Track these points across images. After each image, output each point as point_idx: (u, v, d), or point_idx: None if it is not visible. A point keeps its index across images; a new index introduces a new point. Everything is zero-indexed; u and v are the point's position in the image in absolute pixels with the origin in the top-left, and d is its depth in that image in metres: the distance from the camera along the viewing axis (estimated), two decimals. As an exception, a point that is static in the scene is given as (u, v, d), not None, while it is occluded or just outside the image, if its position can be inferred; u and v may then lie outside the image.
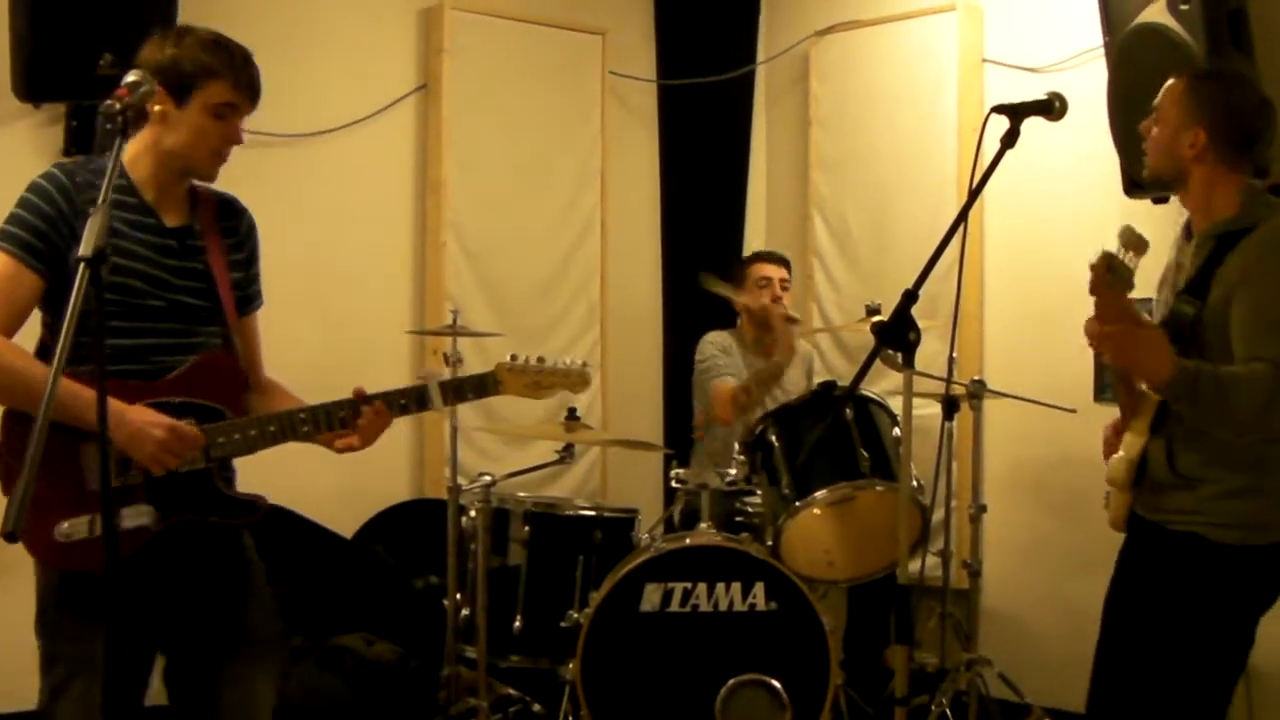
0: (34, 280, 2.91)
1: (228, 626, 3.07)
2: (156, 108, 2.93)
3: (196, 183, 3.14)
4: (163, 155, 3.01)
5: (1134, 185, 4.76)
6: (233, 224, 3.20)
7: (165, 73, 2.93)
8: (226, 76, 2.97)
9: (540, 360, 3.31)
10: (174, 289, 3.01)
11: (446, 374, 3.30)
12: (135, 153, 3.01)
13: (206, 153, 3.01)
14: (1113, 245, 3.19)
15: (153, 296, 2.98)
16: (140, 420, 2.85)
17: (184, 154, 3.00)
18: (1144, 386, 3.38)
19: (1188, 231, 3.46)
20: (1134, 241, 3.17)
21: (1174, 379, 3.13)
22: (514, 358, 3.29)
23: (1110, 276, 3.14)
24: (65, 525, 2.86)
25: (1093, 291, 3.17)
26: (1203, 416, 3.22)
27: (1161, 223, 3.48)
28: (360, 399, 3.10)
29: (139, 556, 2.89)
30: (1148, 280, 3.42)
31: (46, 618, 2.97)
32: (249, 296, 3.24)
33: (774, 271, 5.79)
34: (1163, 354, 3.15)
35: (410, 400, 3.20)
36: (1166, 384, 3.15)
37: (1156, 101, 3.43)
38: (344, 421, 3.09)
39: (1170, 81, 3.42)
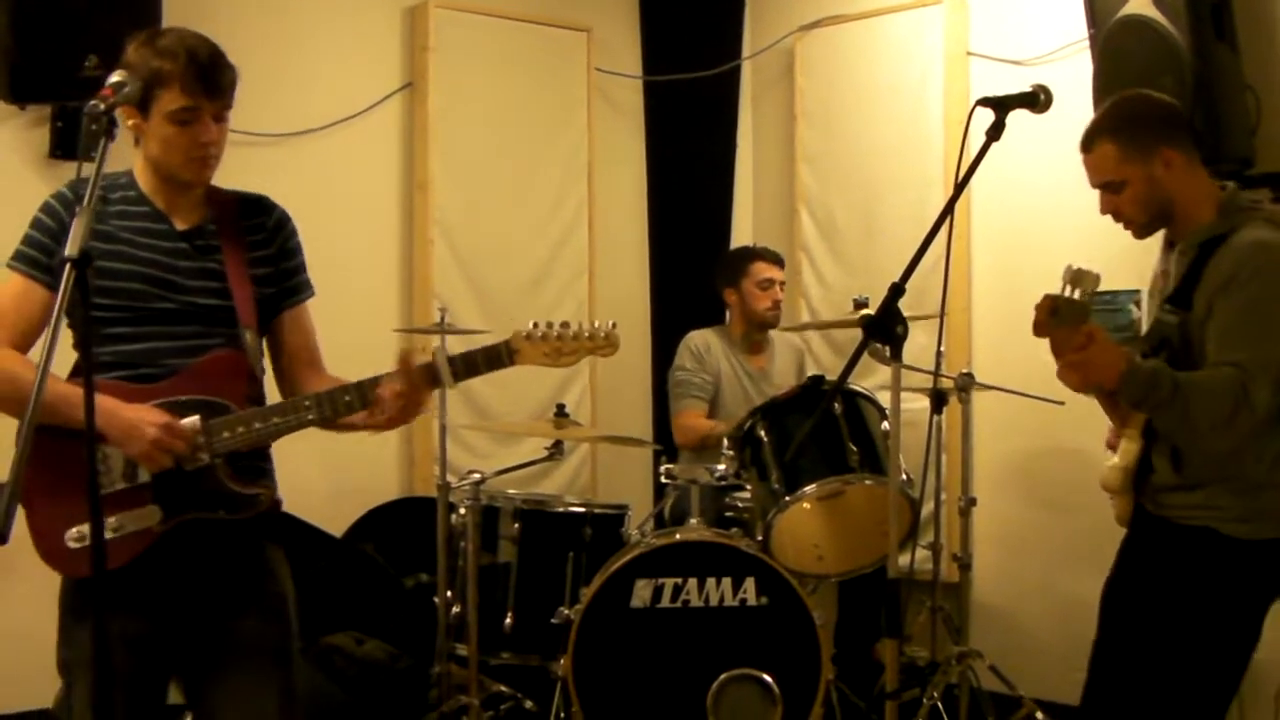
0: (44, 295, 2.93)
1: (229, 636, 3.00)
2: (130, 123, 2.94)
3: (215, 185, 3.13)
4: (152, 166, 3.02)
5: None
6: (257, 221, 3.16)
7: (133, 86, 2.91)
8: (174, 82, 2.90)
9: (565, 325, 3.07)
10: (186, 290, 2.99)
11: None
12: (139, 165, 3.03)
13: (181, 160, 2.97)
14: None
15: (161, 299, 2.97)
16: (134, 417, 2.83)
17: (162, 164, 2.99)
18: None
19: (1169, 241, 3.47)
20: (1079, 278, 3.17)
21: (1127, 376, 3.12)
22: (535, 325, 3.06)
23: (1054, 320, 3.14)
24: (75, 531, 2.86)
25: (1037, 333, 3.16)
26: (1164, 419, 3.22)
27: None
28: (370, 380, 2.99)
29: (146, 559, 2.88)
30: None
31: (62, 624, 2.96)
32: (289, 290, 3.19)
33: (777, 273, 5.79)
34: (1111, 355, 3.14)
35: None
36: (1119, 381, 3.13)
37: (1101, 180, 3.41)
38: (350, 406, 2.98)
39: (1095, 153, 3.40)
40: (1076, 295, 3.15)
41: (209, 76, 2.92)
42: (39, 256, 2.94)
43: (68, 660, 2.93)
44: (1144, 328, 3.51)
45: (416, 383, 2.97)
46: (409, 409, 2.98)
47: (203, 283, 3.02)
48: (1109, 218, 3.48)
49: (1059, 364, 3.18)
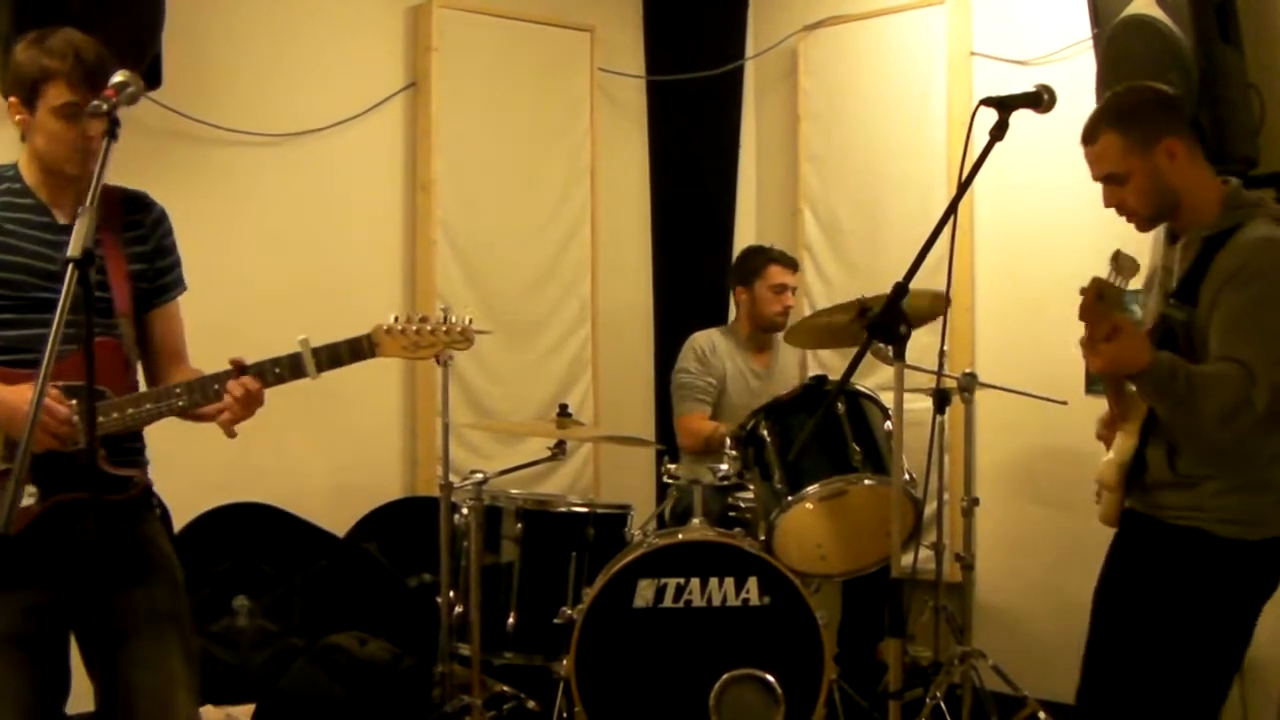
0: None
1: (125, 607, 3.10)
2: (16, 118, 3.06)
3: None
4: (36, 159, 3.11)
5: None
6: (136, 218, 3.25)
7: (12, 85, 3.05)
8: (59, 77, 3.00)
9: (423, 320, 3.26)
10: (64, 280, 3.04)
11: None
12: (24, 159, 3.13)
13: (66, 153, 3.04)
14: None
15: (42, 289, 3.04)
16: (15, 400, 2.93)
17: (47, 157, 3.08)
18: (1132, 388, 3.39)
19: (1172, 235, 3.46)
20: (1127, 266, 3.18)
21: (1151, 367, 3.12)
22: (396, 319, 3.25)
23: (1100, 304, 3.14)
24: None
25: (1082, 316, 3.15)
26: (1173, 413, 3.22)
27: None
28: (236, 369, 3.11)
29: (27, 535, 2.98)
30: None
31: None
32: (163, 287, 3.30)
33: (791, 279, 5.78)
34: (1139, 344, 3.14)
35: (284, 368, 3.16)
36: (1144, 371, 3.13)
37: (1103, 173, 3.40)
38: (219, 394, 3.11)
39: (1097, 145, 3.39)
40: (1118, 282, 3.15)
41: (93, 69, 3.00)
42: None
43: None
44: (1146, 321, 3.49)
45: (246, 384, 3.10)
46: (247, 406, 3.11)
47: None
48: (1112, 217, 3.48)
49: (1088, 349, 3.16)
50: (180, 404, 3.11)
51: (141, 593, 3.14)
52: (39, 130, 3.04)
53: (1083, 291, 3.14)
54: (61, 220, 3.11)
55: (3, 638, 3.00)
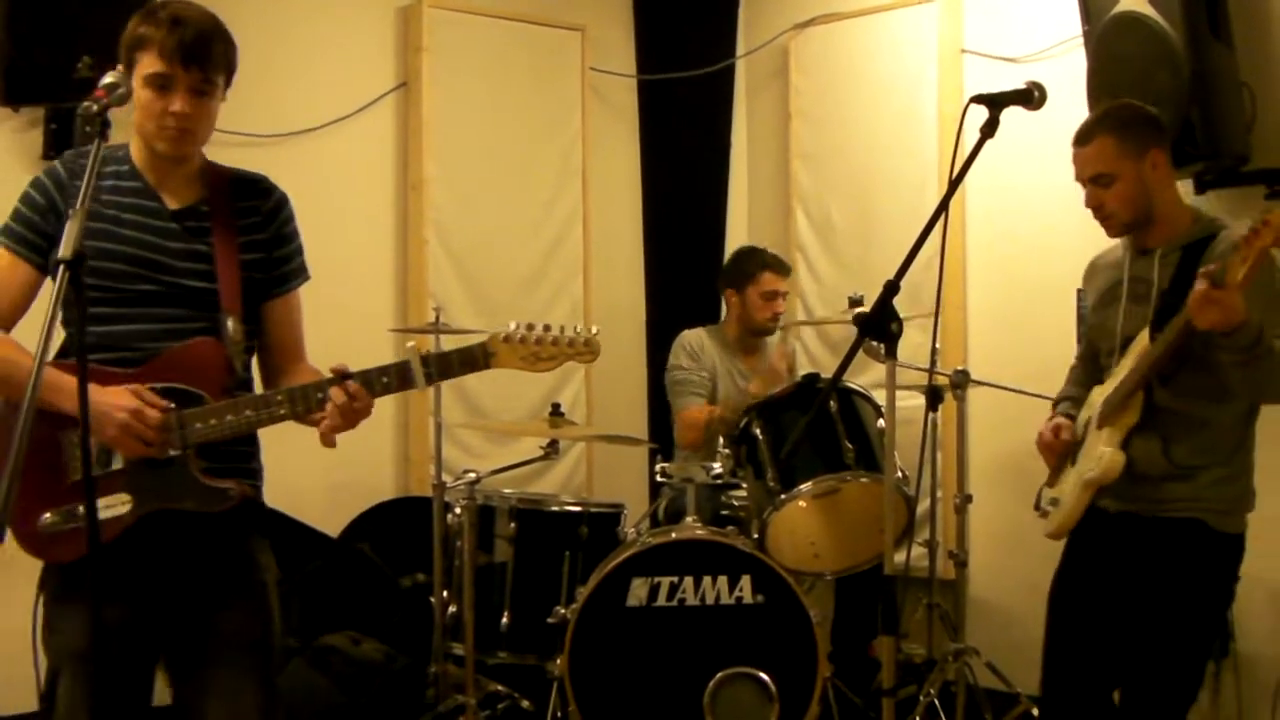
0: (29, 272, 2.93)
1: (208, 628, 2.98)
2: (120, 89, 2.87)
3: (214, 162, 3.10)
4: (141, 138, 2.98)
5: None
6: (253, 203, 3.10)
7: (122, 50, 2.92)
8: (152, 46, 2.87)
9: (546, 328, 2.98)
10: (174, 272, 2.95)
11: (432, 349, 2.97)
12: (134, 138, 3.00)
13: (154, 128, 2.91)
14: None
15: (144, 280, 2.93)
16: (106, 403, 2.79)
17: (141, 131, 2.96)
18: (1118, 387, 3.46)
19: (1141, 249, 3.58)
20: None
21: (1248, 323, 3.14)
22: (516, 327, 2.98)
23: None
24: (47, 517, 2.85)
25: (1247, 243, 3.05)
26: (1255, 370, 3.23)
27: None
28: (336, 376, 2.94)
29: (117, 547, 2.84)
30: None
31: (46, 612, 2.94)
32: (281, 277, 3.14)
33: (783, 285, 5.76)
34: (1241, 300, 3.13)
35: (392, 378, 2.97)
36: (1242, 326, 3.14)
37: (1093, 172, 3.53)
38: (322, 402, 2.93)
39: (1093, 146, 3.53)
40: None
41: (189, 46, 2.87)
42: (25, 233, 2.93)
43: (53, 648, 2.91)
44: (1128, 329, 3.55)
45: (353, 394, 2.92)
46: (348, 416, 2.94)
47: (189, 265, 2.97)
48: (1105, 215, 3.53)
49: (1209, 293, 3.12)
50: (282, 412, 2.94)
51: (230, 616, 2.99)
52: (136, 103, 2.89)
53: (1260, 227, 3.04)
54: (172, 205, 2.99)
55: (76, 654, 2.83)
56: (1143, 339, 3.46)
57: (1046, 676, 3.71)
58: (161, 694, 3.08)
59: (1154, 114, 3.64)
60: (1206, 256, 3.36)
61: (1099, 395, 3.63)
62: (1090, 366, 3.87)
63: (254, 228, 3.09)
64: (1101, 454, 3.48)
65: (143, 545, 2.89)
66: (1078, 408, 3.81)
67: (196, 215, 3.02)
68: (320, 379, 2.97)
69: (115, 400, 2.80)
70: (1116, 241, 3.71)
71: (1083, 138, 3.57)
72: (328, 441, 2.97)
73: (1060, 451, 3.75)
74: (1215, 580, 3.47)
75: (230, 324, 2.99)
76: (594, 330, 3.04)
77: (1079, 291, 4.75)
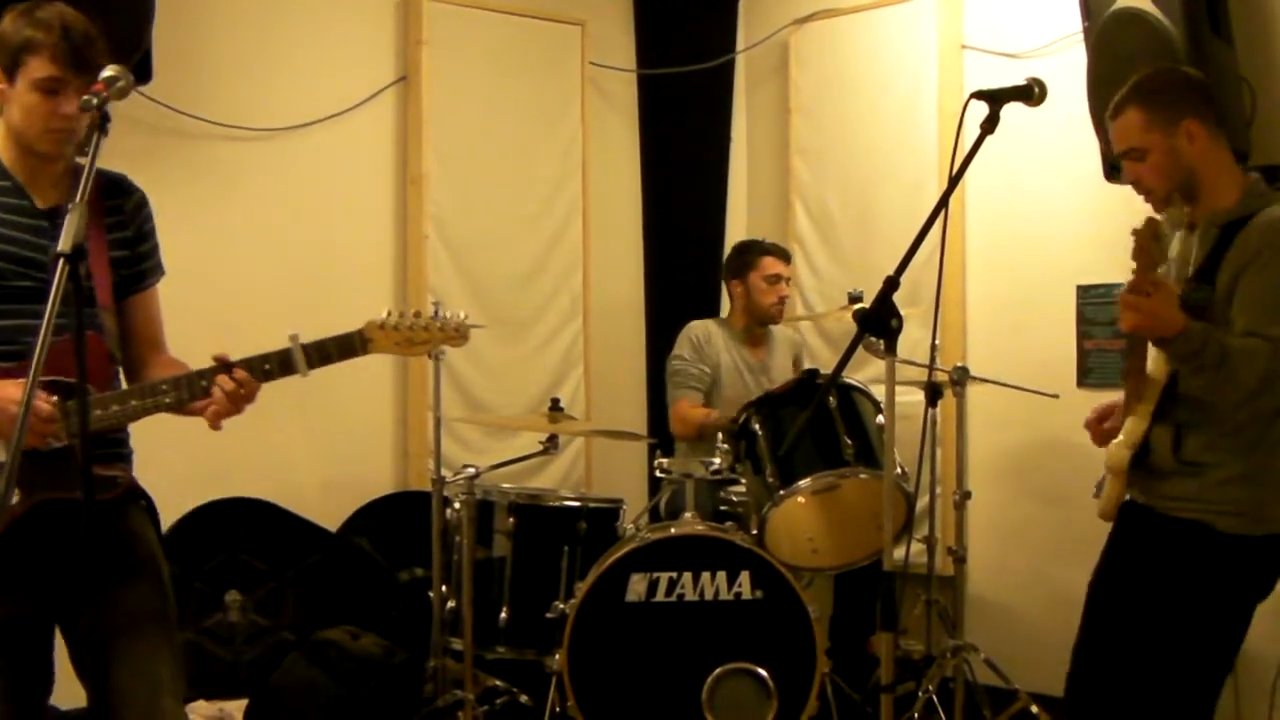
0: None
1: (110, 606, 3.00)
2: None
3: (80, 161, 3.06)
4: (12, 135, 3.01)
5: (1114, 170, 4.77)
6: (117, 203, 3.16)
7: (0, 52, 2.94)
8: (44, 50, 2.90)
9: (417, 315, 3.15)
10: (46, 269, 2.93)
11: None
12: (2, 136, 3.04)
13: (40, 130, 2.96)
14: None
15: (22, 278, 2.97)
16: None
17: (22, 133, 2.99)
18: (1150, 368, 3.40)
19: (1190, 224, 3.48)
20: (1172, 222, 3.24)
21: (1184, 333, 3.15)
22: (389, 314, 3.14)
23: (1155, 245, 3.14)
24: None
25: (1135, 257, 3.14)
26: (1204, 381, 3.23)
27: (1144, 209, 3.51)
28: (221, 365, 3.02)
29: (7, 539, 2.88)
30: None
31: None
32: (141, 273, 3.22)
33: (785, 270, 5.77)
34: (1174, 311, 3.16)
35: (274, 365, 3.06)
36: (1177, 337, 3.15)
37: (1124, 147, 3.45)
38: (206, 390, 3.02)
39: (1122, 119, 3.44)
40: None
41: (80, 51, 2.92)
42: None
43: None
44: None
45: (240, 381, 3.01)
46: (236, 401, 3.02)
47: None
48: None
49: (1128, 300, 3.15)
50: (167, 400, 3.03)
51: (127, 591, 3.06)
52: (16, 103, 2.94)
53: (1135, 233, 3.12)
54: (40, 204, 3.03)
55: None
56: None
57: (1072, 669, 3.65)
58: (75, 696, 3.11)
59: (1191, 79, 3.52)
60: (1242, 238, 3.29)
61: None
62: None
63: (118, 225, 3.16)
64: (1116, 442, 3.46)
65: (33, 535, 2.94)
66: None
67: (64, 214, 3.01)
68: (200, 369, 3.05)
69: (5, 393, 2.86)
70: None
71: (1115, 110, 3.47)
72: (215, 426, 3.05)
73: (1099, 434, 3.63)
74: (1222, 586, 3.34)
75: (106, 319, 3.08)
76: (463, 316, 3.22)
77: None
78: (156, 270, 3.27)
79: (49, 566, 2.98)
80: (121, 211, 3.17)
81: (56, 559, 2.98)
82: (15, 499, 2.91)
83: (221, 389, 3.00)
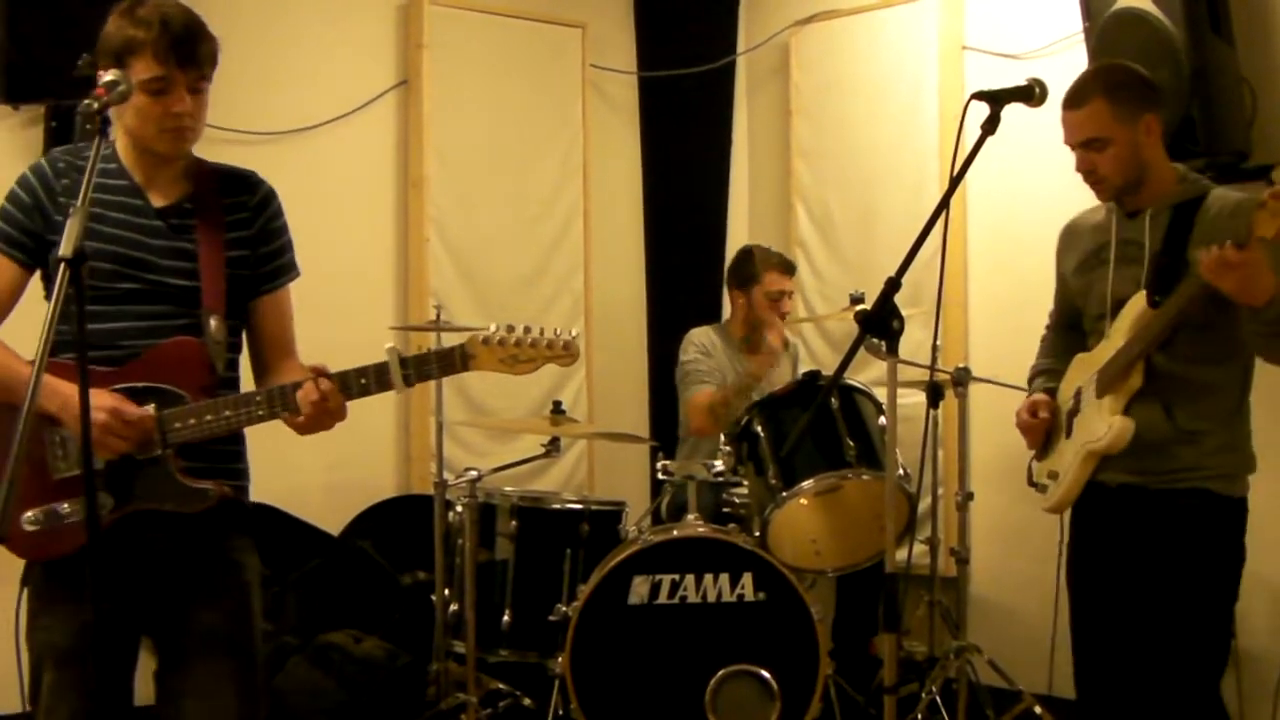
0: (15, 270, 2.92)
1: (185, 627, 2.96)
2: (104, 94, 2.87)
3: (202, 159, 3.08)
4: (130, 138, 2.96)
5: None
6: (240, 200, 3.08)
7: (104, 55, 2.88)
8: (145, 49, 2.84)
9: (526, 330, 2.93)
10: (157, 270, 2.93)
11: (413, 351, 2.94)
12: (120, 137, 2.98)
13: (155, 131, 2.90)
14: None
15: (127, 279, 2.91)
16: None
17: (137, 135, 2.94)
18: (1113, 359, 3.46)
19: (1130, 212, 3.57)
20: None
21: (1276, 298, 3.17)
22: (495, 329, 2.93)
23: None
24: (30, 514, 2.84)
25: (1258, 223, 3.08)
26: None
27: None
28: (312, 376, 2.90)
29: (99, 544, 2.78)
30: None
31: (29, 611, 2.93)
32: (267, 274, 3.11)
33: (789, 285, 5.74)
34: (1269, 271, 3.15)
35: (370, 379, 2.92)
36: (1273, 300, 3.16)
37: (1085, 137, 3.51)
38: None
39: (1086, 109, 3.50)
40: None
41: (182, 46, 2.86)
42: (11, 231, 2.92)
43: (35, 646, 2.91)
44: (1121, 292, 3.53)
45: (324, 393, 2.88)
46: (319, 418, 2.90)
47: (173, 262, 2.95)
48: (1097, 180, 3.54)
49: (1230, 258, 3.11)
50: (260, 413, 2.90)
51: (204, 615, 2.96)
52: (129, 106, 2.84)
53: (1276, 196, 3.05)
54: (158, 203, 2.97)
55: (61, 654, 2.84)
56: (1137, 302, 3.46)
57: (1079, 663, 3.67)
58: (143, 694, 3.08)
59: (1147, 76, 3.61)
60: (1200, 217, 3.39)
61: (1088, 362, 3.61)
62: (1067, 335, 3.85)
63: (240, 224, 3.06)
64: (1110, 423, 3.46)
65: (122, 545, 2.87)
66: (1055, 380, 3.79)
67: (181, 213, 3.00)
68: (300, 379, 2.93)
69: (95, 400, 2.74)
70: (1095, 204, 3.70)
71: (1075, 100, 3.53)
72: (302, 433, 2.94)
73: (1040, 429, 3.73)
74: (1225, 546, 3.46)
75: (213, 322, 2.96)
76: (574, 333, 2.99)
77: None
78: (286, 270, 3.15)
79: (137, 577, 2.92)
80: (245, 208, 3.08)
81: (145, 570, 2.92)
82: (106, 508, 2.84)
83: (306, 399, 2.87)
